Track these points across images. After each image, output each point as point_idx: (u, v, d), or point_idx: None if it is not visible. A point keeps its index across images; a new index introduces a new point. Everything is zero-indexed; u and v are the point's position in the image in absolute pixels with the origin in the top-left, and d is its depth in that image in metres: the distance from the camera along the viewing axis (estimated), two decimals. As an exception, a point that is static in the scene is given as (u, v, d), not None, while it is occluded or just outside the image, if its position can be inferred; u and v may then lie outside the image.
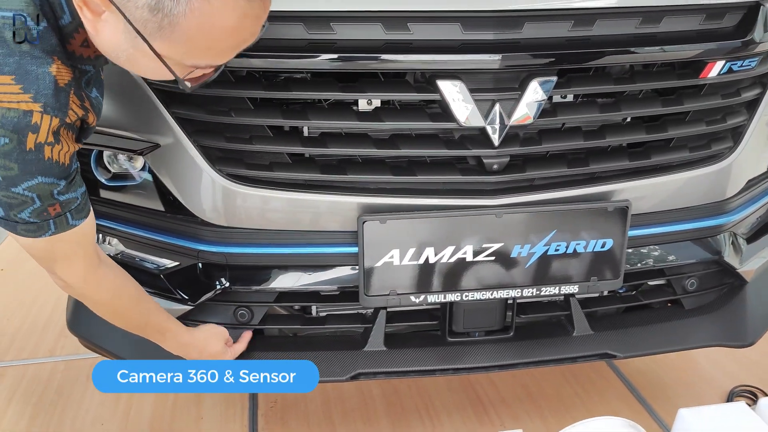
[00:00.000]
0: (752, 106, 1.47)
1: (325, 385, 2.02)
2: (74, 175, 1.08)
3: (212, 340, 1.42)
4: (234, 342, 1.45)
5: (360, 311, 1.50)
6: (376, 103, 1.34)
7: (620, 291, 1.63)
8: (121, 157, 1.45)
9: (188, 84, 0.99)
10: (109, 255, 1.37)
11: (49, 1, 0.95)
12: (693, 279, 1.57)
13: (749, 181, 1.55)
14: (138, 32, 0.87)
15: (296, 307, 1.52)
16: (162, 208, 1.41)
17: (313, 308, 1.54)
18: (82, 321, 1.58)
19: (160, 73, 0.95)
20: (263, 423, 1.91)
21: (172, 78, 0.96)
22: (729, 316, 1.60)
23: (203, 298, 1.41)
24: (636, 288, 1.63)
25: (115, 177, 1.46)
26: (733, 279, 1.61)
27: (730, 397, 1.98)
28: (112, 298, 1.28)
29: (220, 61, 0.97)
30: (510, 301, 1.48)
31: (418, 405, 1.97)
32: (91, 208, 1.16)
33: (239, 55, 1.06)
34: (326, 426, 1.90)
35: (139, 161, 1.44)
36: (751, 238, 1.66)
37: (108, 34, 0.91)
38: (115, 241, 1.51)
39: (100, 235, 1.49)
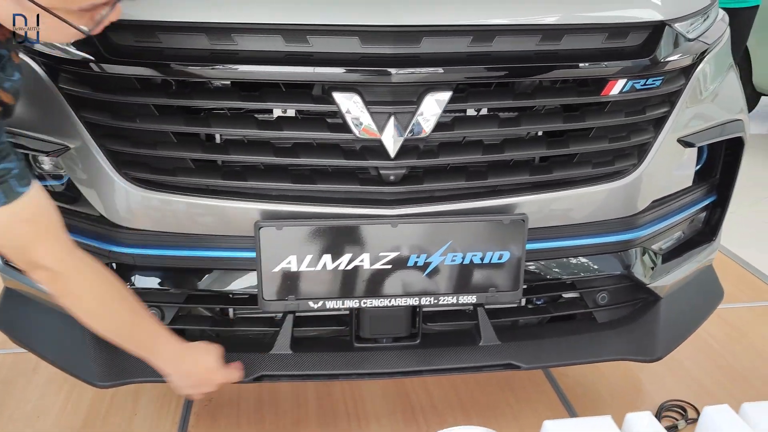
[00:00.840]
0: (659, 123, 1.49)
1: (260, 387, 2.06)
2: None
3: (209, 353, 1.40)
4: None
5: (271, 315, 1.54)
6: (279, 112, 1.38)
7: (538, 302, 1.66)
8: (43, 158, 1.50)
9: (86, 28, 1.04)
10: None
11: None
12: (604, 293, 1.59)
13: (659, 198, 1.56)
14: None
15: (211, 309, 1.55)
16: (76, 209, 1.45)
17: (230, 310, 1.58)
18: (8, 316, 1.64)
19: (59, 28, 1.01)
20: (194, 421, 1.94)
21: (72, 30, 1.01)
22: (640, 331, 1.61)
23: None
24: (553, 300, 1.65)
25: (42, 178, 1.52)
26: (646, 294, 1.63)
27: (659, 412, 1.99)
28: (98, 283, 1.28)
29: None
30: (418, 309, 1.51)
31: (349, 409, 2.00)
32: (44, 191, 1.21)
33: (144, 64, 1.11)
34: (256, 426, 1.94)
35: (58, 162, 1.49)
36: (668, 255, 1.67)
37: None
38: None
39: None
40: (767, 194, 3.92)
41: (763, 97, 5.50)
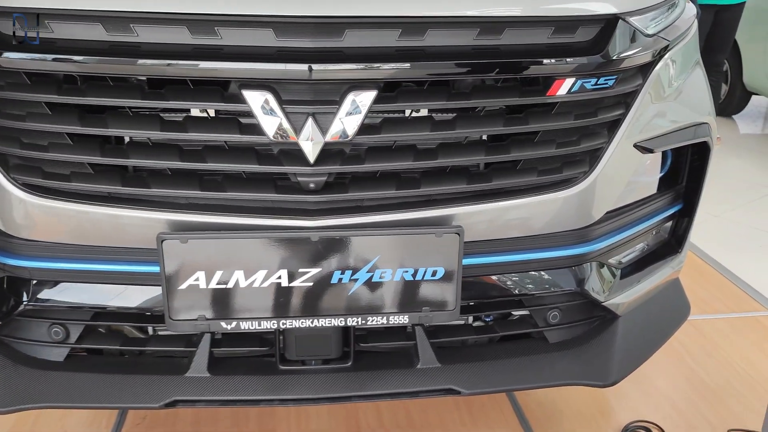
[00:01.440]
0: (613, 127, 1.35)
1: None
2: None
3: None
4: None
5: (187, 333, 1.40)
6: (190, 111, 1.24)
7: (487, 320, 1.52)
8: None
9: None
10: None
11: None
12: (555, 311, 1.46)
13: (615, 209, 1.43)
14: None
15: (119, 327, 1.42)
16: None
17: (150, 328, 1.44)
18: None
19: None
20: (125, 441, 1.82)
21: None
22: (594, 353, 1.47)
23: (10, 316, 1.32)
24: (500, 318, 1.51)
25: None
26: (602, 312, 1.49)
27: (623, 435, 1.86)
28: None
29: None
30: (348, 329, 1.38)
31: (292, 428, 1.87)
32: None
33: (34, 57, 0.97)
34: (191, 447, 1.81)
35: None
36: (628, 269, 1.54)
37: None
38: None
39: None
40: (759, 197, 3.79)
41: (754, 96, 5.37)
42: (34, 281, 1.31)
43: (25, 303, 1.32)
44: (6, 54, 1.16)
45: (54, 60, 1.16)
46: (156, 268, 1.24)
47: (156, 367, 1.38)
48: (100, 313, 1.35)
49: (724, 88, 5.18)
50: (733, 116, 5.51)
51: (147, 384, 1.35)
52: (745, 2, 4.28)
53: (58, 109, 1.20)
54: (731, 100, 5.31)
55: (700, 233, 2.79)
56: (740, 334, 2.36)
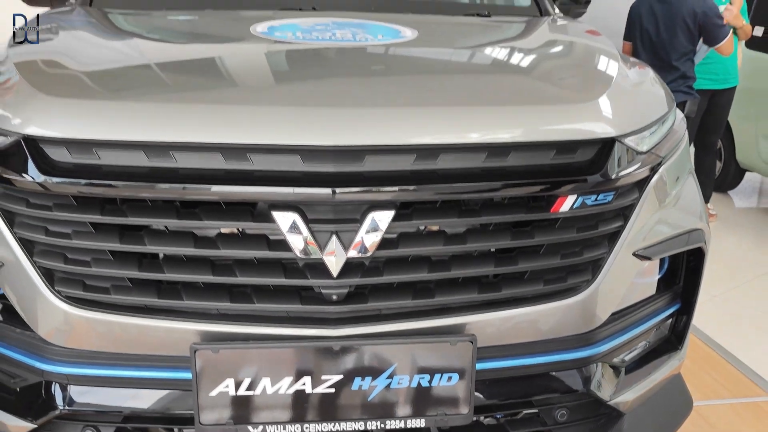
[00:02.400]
0: (613, 238, 1.45)
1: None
2: None
3: None
4: None
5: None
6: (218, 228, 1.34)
7: (498, 417, 1.59)
8: None
9: None
10: None
11: None
12: (563, 410, 1.52)
13: (614, 313, 1.51)
14: None
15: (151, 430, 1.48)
16: (8, 323, 1.41)
17: (176, 430, 1.50)
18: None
19: None
20: None
21: None
22: (602, 449, 1.54)
23: (46, 418, 1.39)
24: (510, 416, 1.57)
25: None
26: (607, 410, 1.56)
27: None
28: None
29: None
30: None
31: None
32: None
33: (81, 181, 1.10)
34: None
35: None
36: (631, 367, 1.61)
37: None
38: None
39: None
40: (756, 276, 3.87)
41: (747, 173, 5.52)
42: (71, 386, 1.38)
43: (61, 408, 1.39)
44: (56, 179, 1.28)
45: (99, 184, 1.28)
46: (187, 375, 1.32)
47: (183, 468, 1.44)
48: (132, 416, 1.42)
49: (719, 165, 5.34)
50: (729, 192, 5.64)
51: (174, 484, 1.41)
52: (736, 86, 4.47)
53: (101, 228, 1.31)
54: (726, 176, 5.46)
55: (699, 315, 2.85)
56: (743, 421, 2.41)
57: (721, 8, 4.17)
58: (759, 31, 4.71)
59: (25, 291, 1.34)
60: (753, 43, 4.73)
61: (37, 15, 2.08)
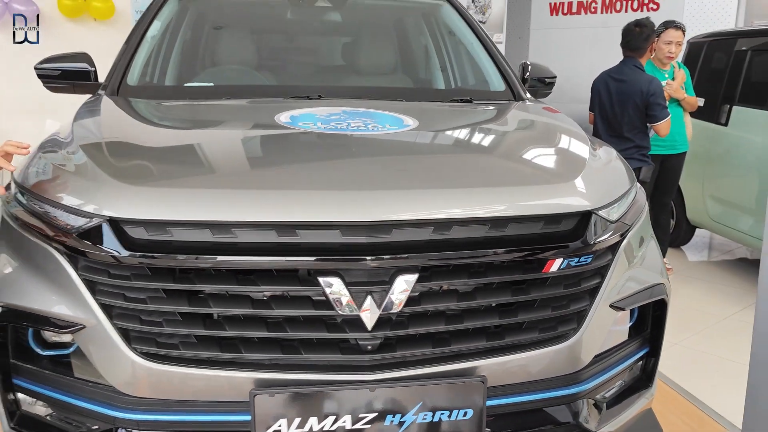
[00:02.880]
0: (593, 293, 1.76)
1: None
2: None
3: None
4: None
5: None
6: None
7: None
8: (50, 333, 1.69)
9: None
10: (30, 413, 1.62)
11: None
12: (557, 438, 1.79)
13: (597, 355, 1.81)
14: None
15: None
16: (86, 378, 1.63)
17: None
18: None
19: None
20: None
21: None
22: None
23: (118, 462, 1.60)
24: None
25: (48, 347, 1.70)
26: (595, 438, 1.83)
27: None
28: None
29: None
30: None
31: None
32: None
33: (155, 255, 1.37)
34: None
35: (67, 337, 1.68)
36: (612, 402, 1.90)
37: None
38: (45, 403, 1.71)
39: (37, 401, 1.70)
40: (711, 324, 4.22)
41: (698, 229, 5.96)
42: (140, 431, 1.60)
43: (130, 452, 1.60)
44: (135, 253, 1.53)
45: (171, 257, 1.54)
46: (245, 417, 1.56)
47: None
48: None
49: (672, 223, 5.77)
50: (682, 247, 6.07)
51: None
52: (686, 151, 4.93)
53: (171, 293, 1.56)
54: (678, 233, 5.90)
55: (664, 361, 3.18)
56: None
57: (663, 83, 4.66)
58: (700, 101, 5.21)
59: (104, 349, 1.57)
60: (695, 113, 5.22)
61: (85, 102, 2.36)
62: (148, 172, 1.75)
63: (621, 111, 4.47)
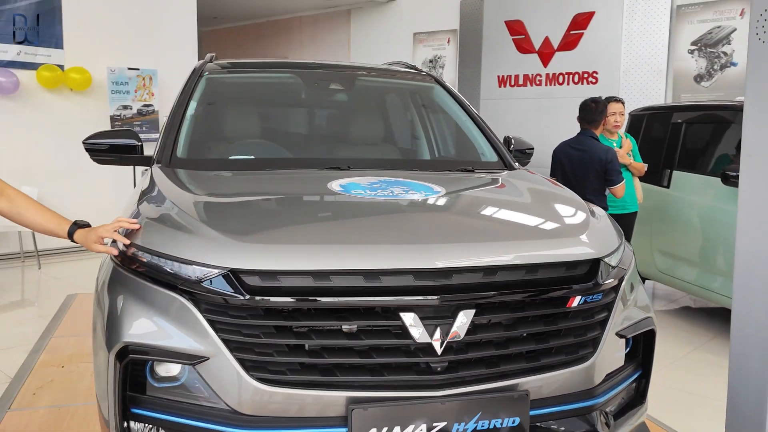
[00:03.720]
0: (603, 324, 2.22)
1: None
2: None
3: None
4: None
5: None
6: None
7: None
8: (165, 366, 2.03)
9: None
10: None
11: None
12: (579, 445, 2.21)
13: (607, 375, 2.25)
14: None
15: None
16: (205, 403, 1.97)
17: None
18: None
19: None
20: None
21: None
22: (606, 472, 2.22)
23: (231, 473, 1.93)
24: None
25: (161, 380, 2.03)
26: (607, 444, 2.26)
27: None
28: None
29: None
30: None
31: None
32: None
33: (270, 299, 1.76)
34: None
35: (177, 368, 2.02)
36: (617, 414, 2.34)
37: None
38: (158, 429, 2.03)
39: (154, 429, 2.01)
40: (668, 364, 4.74)
41: (647, 281, 6.59)
42: (253, 446, 1.94)
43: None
44: (252, 297, 1.91)
45: (280, 300, 1.92)
46: (341, 429, 1.92)
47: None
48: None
49: (624, 275, 6.38)
50: (633, 298, 6.69)
51: None
52: (636, 211, 5.57)
53: (280, 329, 1.93)
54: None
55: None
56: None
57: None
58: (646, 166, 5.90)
59: (225, 376, 1.92)
60: (644, 177, 5.90)
61: (155, 173, 2.73)
62: (256, 231, 2.14)
63: (582, 177, 5.08)
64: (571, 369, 2.14)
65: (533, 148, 3.75)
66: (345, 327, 1.97)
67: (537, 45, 9.97)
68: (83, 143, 3.23)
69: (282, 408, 1.93)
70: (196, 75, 3.52)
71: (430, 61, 11.71)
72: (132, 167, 7.22)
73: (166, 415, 2.00)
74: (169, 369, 2.04)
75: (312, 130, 3.66)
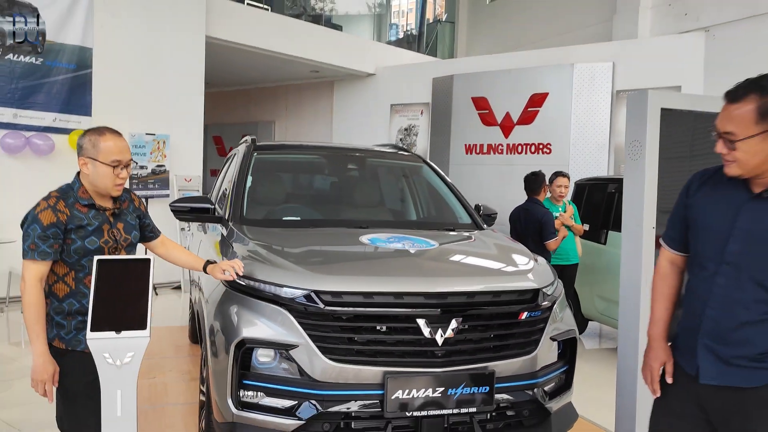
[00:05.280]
0: (541, 330, 3.46)
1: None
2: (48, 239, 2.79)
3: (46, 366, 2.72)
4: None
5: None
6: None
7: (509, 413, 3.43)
8: (266, 353, 3.20)
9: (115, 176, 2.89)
10: (250, 400, 3.09)
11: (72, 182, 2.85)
12: (527, 409, 3.42)
13: (545, 365, 3.49)
14: (92, 159, 2.76)
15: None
16: (289, 376, 3.14)
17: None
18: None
19: (106, 173, 2.85)
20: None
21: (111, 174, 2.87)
22: (545, 427, 3.43)
23: (309, 416, 3.09)
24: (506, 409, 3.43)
25: (262, 363, 3.20)
26: (547, 411, 3.47)
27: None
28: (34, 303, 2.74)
29: (118, 157, 2.84)
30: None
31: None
32: (47, 262, 2.82)
33: (336, 309, 2.97)
34: None
35: (271, 356, 3.19)
36: (552, 393, 3.57)
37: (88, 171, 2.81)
38: (260, 393, 3.18)
39: (257, 393, 3.16)
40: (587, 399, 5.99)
41: (590, 322, 7.89)
42: (323, 402, 3.11)
43: (320, 410, 3.10)
44: (326, 307, 3.11)
45: (341, 310, 3.13)
46: (378, 391, 3.11)
47: None
48: (352, 413, 3.14)
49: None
50: (580, 336, 7.97)
51: (366, 447, 3.12)
52: (578, 263, 6.90)
53: (343, 328, 3.14)
54: (576, 323, 7.80)
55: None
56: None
57: (557, 214, 6.69)
58: (585, 227, 7.27)
59: (308, 357, 3.10)
60: (585, 235, 7.26)
61: (245, 227, 3.93)
62: (325, 266, 3.36)
63: (529, 233, 6.43)
64: (522, 358, 3.36)
65: (497, 213, 5.05)
66: (382, 327, 3.18)
67: (499, 119, 11.44)
68: (169, 206, 4.41)
69: (344, 377, 3.11)
70: (249, 154, 4.75)
71: (405, 129, 13.14)
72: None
73: (265, 383, 3.16)
74: (267, 355, 3.21)
75: (336, 198, 4.92)
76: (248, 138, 5.19)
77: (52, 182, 9.88)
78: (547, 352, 3.51)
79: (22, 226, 2.82)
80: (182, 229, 8.71)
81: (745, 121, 2.10)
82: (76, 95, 8.89)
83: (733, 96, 2.12)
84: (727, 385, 2.31)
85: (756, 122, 2.08)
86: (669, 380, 2.52)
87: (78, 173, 2.93)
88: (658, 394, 2.59)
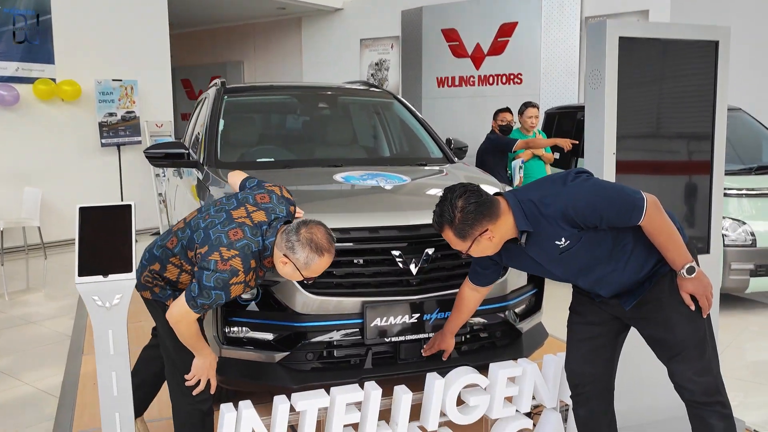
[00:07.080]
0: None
1: None
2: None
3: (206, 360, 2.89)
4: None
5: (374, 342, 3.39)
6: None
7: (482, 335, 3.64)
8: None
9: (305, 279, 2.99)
10: (236, 336, 3.25)
11: (264, 245, 2.90)
12: (499, 330, 3.63)
13: (515, 289, 3.68)
14: (296, 267, 2.85)
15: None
16: (272, 311, 3.29)
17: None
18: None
19: (295, 276, 2.93)
20: None
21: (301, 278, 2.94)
22: (516, 346, 3.65)
23: (294, 348, 3.26)
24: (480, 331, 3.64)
25: (245, 301, 3.35)
26: (518, 332, 3.68)
27: None
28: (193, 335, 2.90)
29: (314, 274, 2.91)
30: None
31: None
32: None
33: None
34: None
35: (253, 293, 3.33)
36: (523, 315, 3.77)
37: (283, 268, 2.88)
38: (245, 328, 3.33)
39: (243, 328, 3.32)
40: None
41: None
42: (308, 333, 3.27)
43: (303, 341, 3.27)
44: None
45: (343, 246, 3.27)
46: (358, 320, 3.28)
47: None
48: (334, 342, 3.32)
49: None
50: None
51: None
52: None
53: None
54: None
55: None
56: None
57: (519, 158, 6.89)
58: (556, 155, 7.42)
59: (290, 291, 3.25)
60: (554, 164, 7.43)
61: (221, 170, 4.00)
62: (303, 206, 3.47)
63: (496, 164, 6.67)
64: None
65: (467, 146, 5.15)
66: (359, 261, 3.33)
67: (470, 50, 11.43)
68: (144, 152, 4.46)
69: (324, 308, 3.28)
70: (219, 97, 4.78)
71: (376, 64, 13.06)
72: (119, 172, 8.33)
73: (250, 318, 3.32)
74: (250, 293, 3.35)
75: (309, 137, 4.98)
76: (218, 81, 5.18)
77: (18, 134, 9.89)
78: (516, 276, 3.69)
79: (202, 263, 2.70)
80: (157, 175, 8.72)
81: (456, 243, 2.63)
82: (37, 43, 8.72)
83: (438, 228, 2.67)
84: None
85: (462, 240, 2.60)
86: None
87: (265, 229, 2.81)
88: None
